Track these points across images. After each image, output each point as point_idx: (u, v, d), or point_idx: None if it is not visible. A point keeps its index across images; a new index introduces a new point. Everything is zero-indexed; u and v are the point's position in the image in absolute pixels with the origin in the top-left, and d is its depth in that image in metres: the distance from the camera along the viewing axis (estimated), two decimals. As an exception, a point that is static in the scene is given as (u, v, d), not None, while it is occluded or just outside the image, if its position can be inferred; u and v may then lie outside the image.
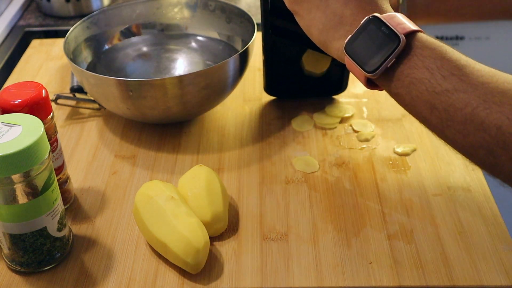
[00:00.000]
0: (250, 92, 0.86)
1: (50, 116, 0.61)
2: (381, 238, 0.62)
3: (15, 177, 0.53)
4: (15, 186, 0.53)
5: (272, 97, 0.84)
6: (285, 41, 0.76)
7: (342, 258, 0.60)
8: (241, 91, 0.86)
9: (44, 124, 0.57)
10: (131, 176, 0.72)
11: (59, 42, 1.02)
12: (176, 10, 0.89)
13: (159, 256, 0.61)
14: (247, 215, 0.65)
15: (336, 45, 0.58)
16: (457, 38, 1.11)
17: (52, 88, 0.89)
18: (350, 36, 0.55)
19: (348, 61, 0.56)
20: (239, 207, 0.67)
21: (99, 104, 0.81)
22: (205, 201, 0.62)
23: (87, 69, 0.82)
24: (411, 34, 0.52)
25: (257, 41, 0.78)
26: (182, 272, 0.59)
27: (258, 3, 0.74)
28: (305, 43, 0.70)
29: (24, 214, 0.55)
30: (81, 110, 0.84)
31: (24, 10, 1.18)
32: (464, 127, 0.48)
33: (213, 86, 0.72)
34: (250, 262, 0.60)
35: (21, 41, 1.08)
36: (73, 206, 0.68)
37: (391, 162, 0.72)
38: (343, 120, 0.79)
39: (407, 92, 0.52)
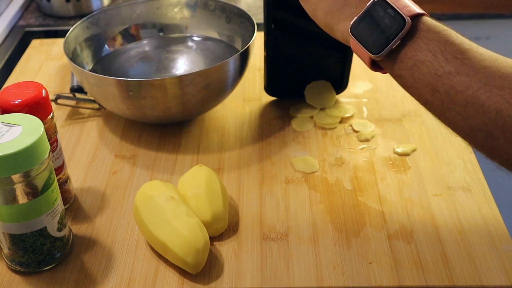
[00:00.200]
0: (250, 92, 0.86)
1: (50, 116, 0.61)
2: (381, 238, 0.62)
3: (15, 177, 0.53)
4: (15, 186, 0.53)
5: (272, 97, 0.84)
6: (287, 36, 0.76)
7: (342, 258, 0.60)
8: (241, 91, 0.86)
9: (44, 124, 0.57)
10: (131, 176, 0.72)
11: (59, 42, 1.02)
12: (176, 10, 0.89)
13: (159, 256, 0.61)
14: (247, 215, 0.65)
15: (342, 27, 0.58)
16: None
17: (52, 88, 0.89)
18: (355, 18, 0.55)
19: (353, 43, 0.56)
20: (239, 207, 0.67)
21: (99, 104, 0.81)
22: (205, 201, 0.62)
23: (87, 69, 0.82)
24: (416, 17, 0.52)
25: (257, 41, 0.78)
26: (182, 272, 0.59)
27: (258, 3, 0.74)
28: (307, 37, 0.70)
29: (24, 214, 0.55)
30: (81, 110, 0.84)
31: (24, 10, 1.18)
32: (465, 110, 0.49)
33: (213, 86, 0.72)
34: (250, 262, 0.60)
35: (21, 41, 1.08)
36: (73, 206, 0.68)
37: (391, 162, 0.72)
38: (343, 120, 0.79)
39: (409, 74, 0.52)
